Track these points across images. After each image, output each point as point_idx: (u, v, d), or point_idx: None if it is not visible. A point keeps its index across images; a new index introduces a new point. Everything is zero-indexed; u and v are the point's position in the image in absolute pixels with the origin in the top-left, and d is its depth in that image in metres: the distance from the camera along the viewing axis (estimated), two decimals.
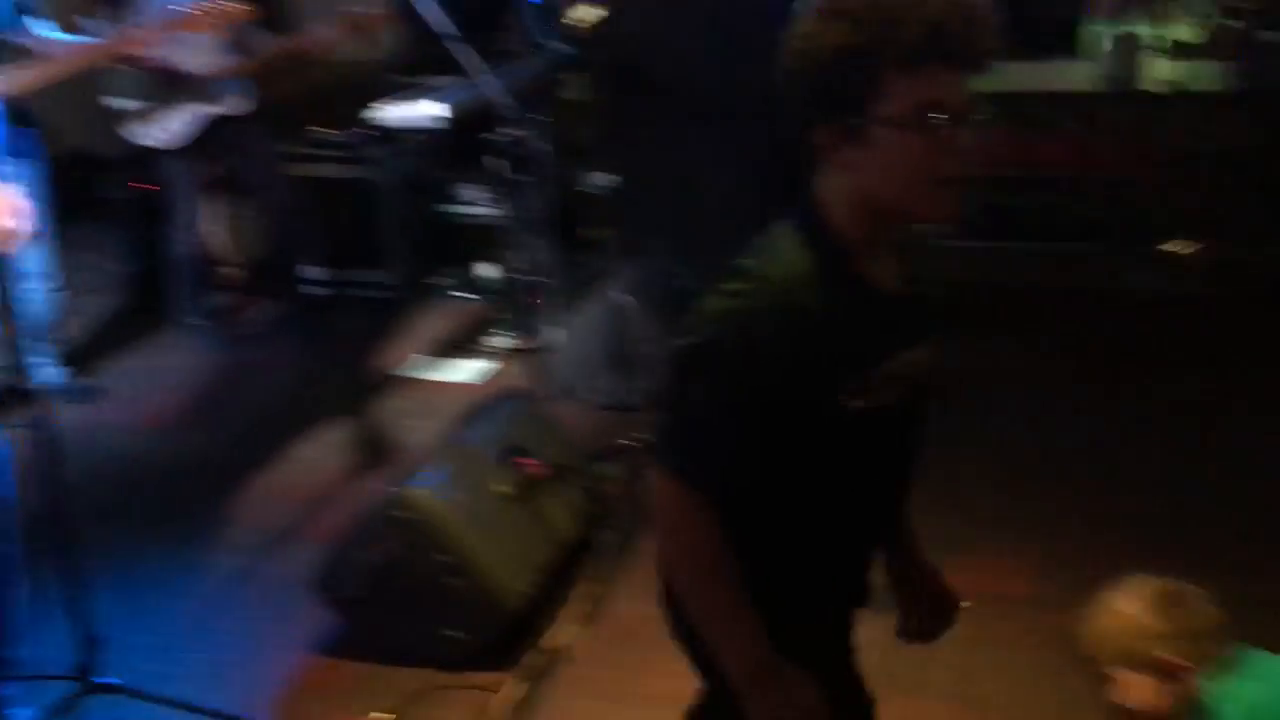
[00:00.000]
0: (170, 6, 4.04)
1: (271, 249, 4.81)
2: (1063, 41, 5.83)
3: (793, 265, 1.46)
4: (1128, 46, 5.02)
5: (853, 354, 1.48)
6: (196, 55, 4.36)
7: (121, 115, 4.43)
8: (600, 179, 5.21)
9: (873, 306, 1.50)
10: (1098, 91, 5.09)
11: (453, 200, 5.37)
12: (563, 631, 2.98)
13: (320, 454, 3.97)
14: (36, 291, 4.12)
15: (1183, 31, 5.37)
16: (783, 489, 1.55)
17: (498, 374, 4.47)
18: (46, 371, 4.07)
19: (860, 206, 1.46)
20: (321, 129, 5.39)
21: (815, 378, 1.46)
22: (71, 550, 2.57)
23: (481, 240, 5.28)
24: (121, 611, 2.87)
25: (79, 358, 4.55)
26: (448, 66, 3.78)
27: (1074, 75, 5.33)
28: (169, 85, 4.34)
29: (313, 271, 5.14)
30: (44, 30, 3.76)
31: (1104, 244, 4.85)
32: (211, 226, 4.88)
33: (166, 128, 4.42)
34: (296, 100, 5.58)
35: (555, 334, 4.26)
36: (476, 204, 5.09)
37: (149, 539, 3.49)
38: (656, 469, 1.53)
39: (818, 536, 1.60)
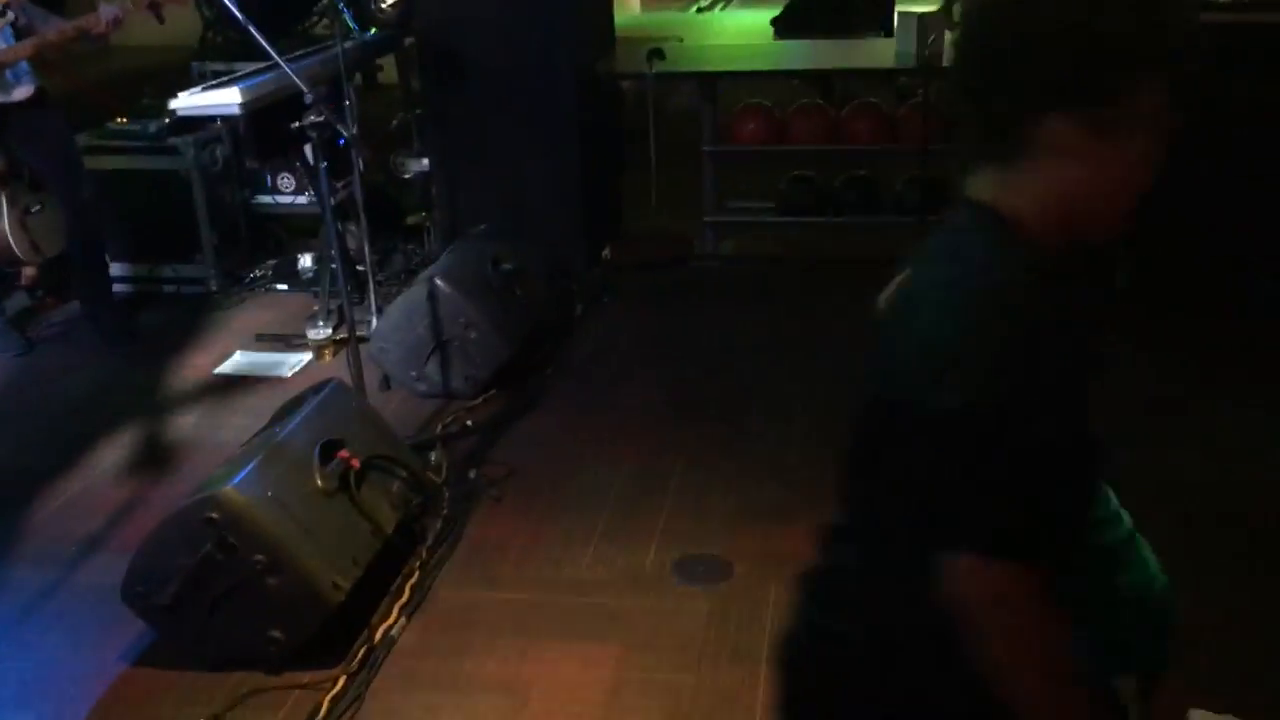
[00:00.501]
0: None
1: (72, 245, 4.59)
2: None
3: (1018, 283, 1.26)
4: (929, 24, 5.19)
5: (1090, 370, 1.32)
6: None
7: None
8: (416, 164, 5.16)
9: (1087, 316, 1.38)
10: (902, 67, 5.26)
11: (265, 190, 5.23)
12: (390, 623, 2.95)
13: (127, 459, 3.82)
14: None
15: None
16: (1053, 542, 1.30)
17: (316, 366, 4.38)
18: None
19: (1075, 206, 1.32)
20: (121, 119, 5.19)
21: (1080, 402, 1.29)
22: None
23: (295, 229, 5.17)
24: None
25: None
26: (257, 53, 3.66)
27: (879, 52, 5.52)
28: None
29: (118, 267, 4.94)
30: None
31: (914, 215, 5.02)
32: (4, 223, 4.62)
33: None
34: (95, 88, 5.36)
35: (375, 322, 4.19)
36: (289, 193, 4.97)
37: None
38: (961, 561, 1.24)
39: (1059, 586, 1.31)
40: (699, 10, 6.45)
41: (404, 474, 3.22)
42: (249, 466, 2.84)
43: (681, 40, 5.68)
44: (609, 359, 4.44)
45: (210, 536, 2.70)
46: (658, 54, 5.24)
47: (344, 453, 2.99)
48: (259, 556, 2.70)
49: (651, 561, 3.19)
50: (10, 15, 4.25)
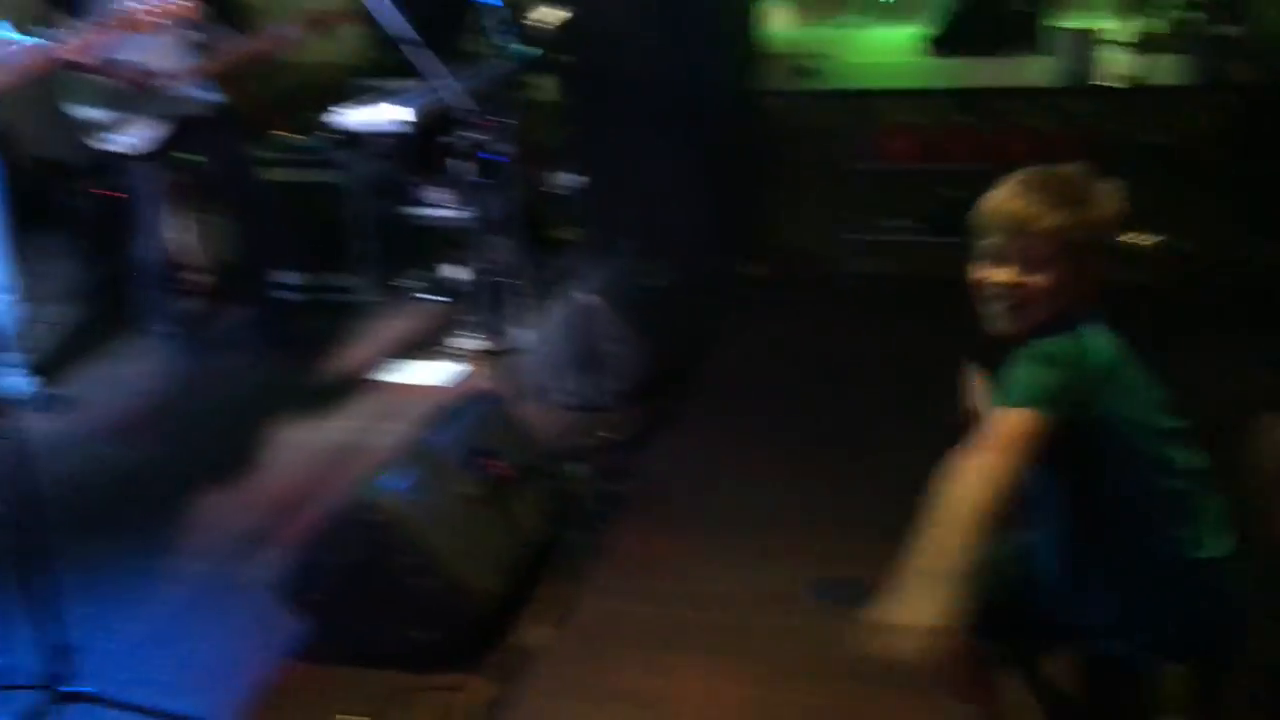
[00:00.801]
0: (115, 7, 4.04)
1: (240, 254, 4.81)
2: (1024, 37, 5.93)
3: None
4: (1085, 42, 5.08)
5: None
6: (159, 58, 4.36)
7: (85, 122, 4.42)
8: (567, 180, 5.24)
9: None
10: (1057, 86, 5.15)
11: (419, 203, 5.39)
12: (532, 631, 3.01)
13: (289, 459, 3.99)
14: (1, 302, 4.13)
15: (1144, 25, 5.45)
16: None
17: (466, 376, 4.49)
18: (14, 381, 4.07)
19: None
20: (288, 133, 5.41)
21: None
22: (40, 558, 2.58)
23: (448, 243, 5.30)
24: (91, 619, 2.88)
25: (47, 367, 4.54)
26: (411, 70, 3.80)
27: (1034, 71, 5.40)
28: (132, 90, 4.33)
29: (282, 276, 5.15)
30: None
31: None
32: (179, 232, 4.87)
33: (131, 133, 4.42)
34: (263, 103, 5.59)
35: (523, 335, 4.28)
36: (442, 207, 5.11)
37: (119, 546, 3.50)
38: None
39: None
40: (843, 27, 6.41)
41: (552, 485, 3.28)
42: (404, 471, 2.94)
43: (829, 57, 5.65)
44: (751, 376, 4.46)
45: (366, 538, 2.81)
46: (805, 70, 5.23)
47: (495, 462, 3.07)
48: (412, 559, 2.79)
49: (791, 580, 3.19)
50: (194, 34, 4.48)
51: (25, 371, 4.27)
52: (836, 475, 3.67)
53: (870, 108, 5.36)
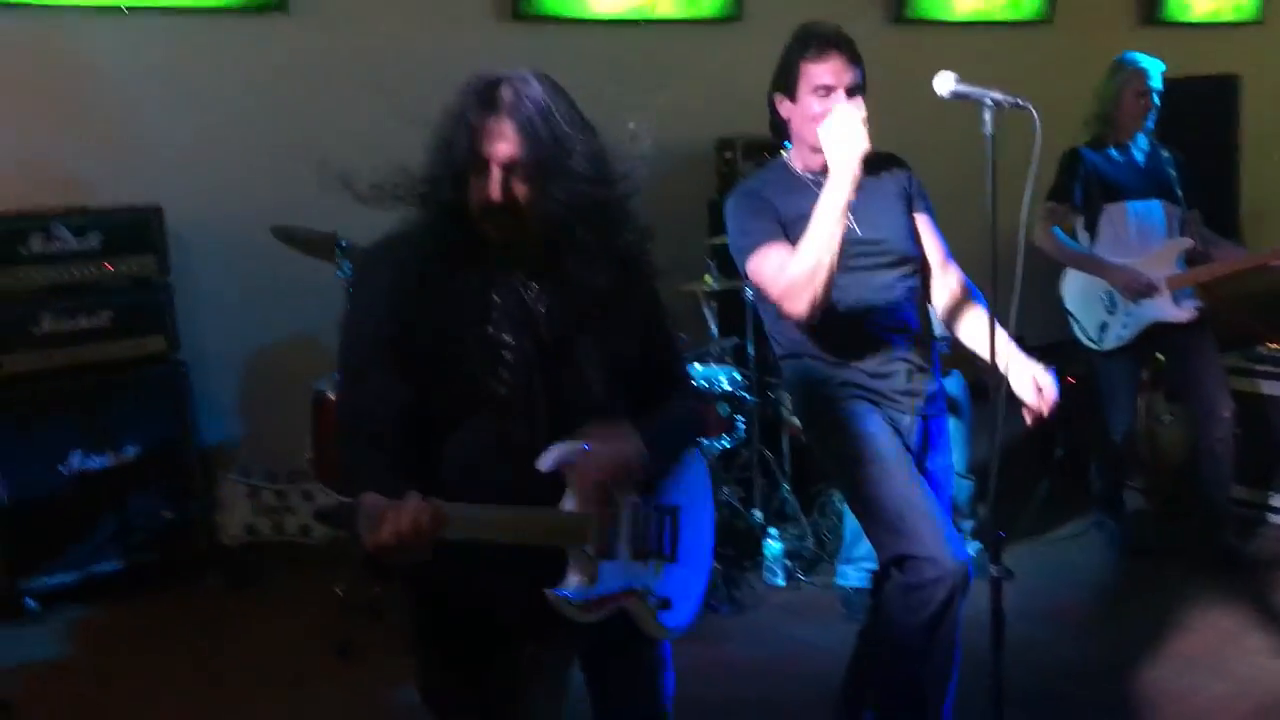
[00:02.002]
0: None
1: (1200, 459, 4.65)
2: None
3: None
4: None
5: None
6: (1154, 265, 4.45)
7: (1072, 312, 4.66)
8: None
9: None
10: None
11: None
12: None
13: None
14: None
15: None
16: None
17: None
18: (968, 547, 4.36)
19: None
20: (1264, 342, 5.17)
21: None
22: None
23: None
24: None
25: (993, 539, 4.77)
26: None
27: None
28: (1127, 293, 4.45)
29: (1232, 489, 4.87)
30: None
31: None
32: (1140, 428, 4.88)
33: (1110, 330, 4.55)
34: (1241, 311, 5.41)
35: None
36: None
37: None
38: None
39: None
40: None
41: None
42: None
43: None
44: None
45: None
46: None
47: None
48: None
49: None
50: (1187, 242, 4.51)
51: (970, 537, 4.54)
52: None
53: None
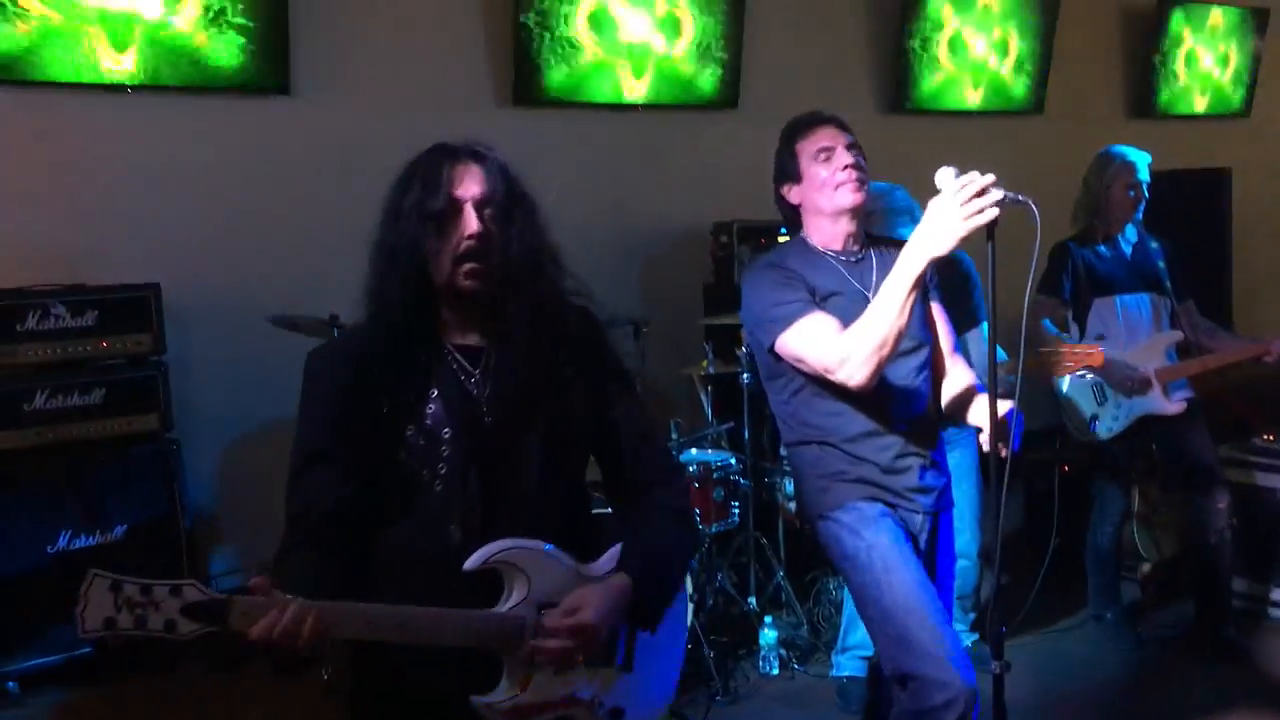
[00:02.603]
0: None
1: (1190, 550, 4.62)
2: None
3: None
4: None
5: None
6: (1145, 358, 4.45)
7: (1067, 405, 4.65)
8: None
9: None
10: None
11: None
12: None
13: None
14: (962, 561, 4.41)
15: None
16: None
17: None
18: (964, 637, 4.30)
19: None
20: (1259, 433, 5.16)
21: None
22: None
23: None
24: None
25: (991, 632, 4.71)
26: None
27: None
28: (1121, 387, 4.45)
29: (1231, 581, 4.83)
30: None
31: None
32: (1131, 519, 4.84)
33: (1103, 420, 4.54)
34: (1233, 398, 5.42)
35: None
36: None
37: None
38: None
39: None
40: None
41: None
42: None
43: None
44: None
45: None
46: None
47: None
48: None
49: None
50: (1176, 335, 4.52)
51: (970, 627, 4.48)
52: None
53: None
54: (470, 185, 2.07)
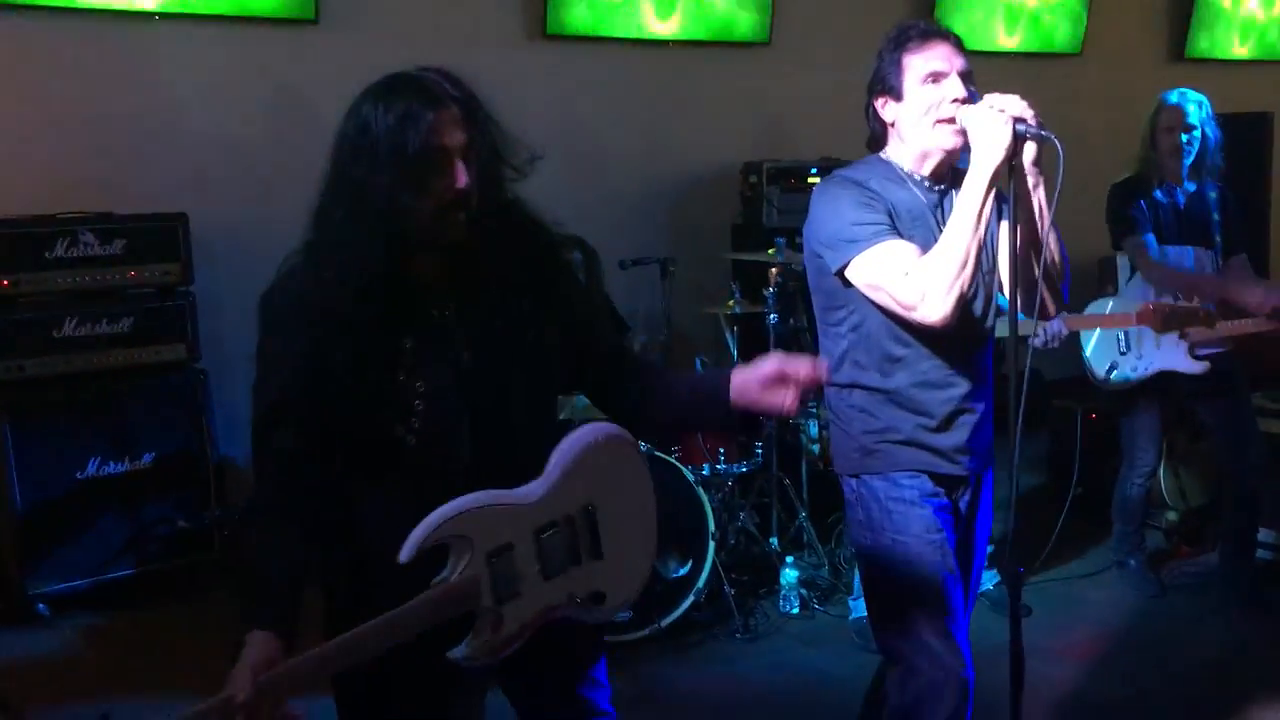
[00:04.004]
0: None
1: (1225, 501, 4.58)
2: None
3: None
4: None
5: None
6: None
7: (1094, 351, 4.60)
8: None
9: None
10: None
11: None
12: None
13: None
14: None
15: None
16: None
17: None
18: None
19: None
20: None
21: None
22: None
23: None
24: None
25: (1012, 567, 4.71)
26: None
27: None
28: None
29: (1264, 534, 4.80)
30: None
31: None
32: (1161, 467, 4.81)
33: (1120, 372, 4.49)
34: (1265, 347, 5.34)
35: None
36: None
37: None
38: None
39: None
40: None
41: None
42: None
43: None
44: None
45: None
46: None
47: None
48: None
49: None
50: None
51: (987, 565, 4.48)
52: None
53: None
54: (455, 132, 1.94)
